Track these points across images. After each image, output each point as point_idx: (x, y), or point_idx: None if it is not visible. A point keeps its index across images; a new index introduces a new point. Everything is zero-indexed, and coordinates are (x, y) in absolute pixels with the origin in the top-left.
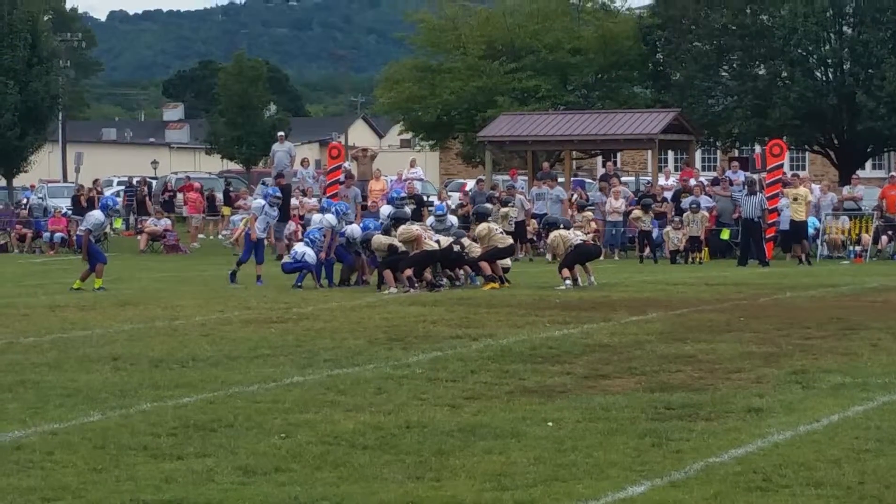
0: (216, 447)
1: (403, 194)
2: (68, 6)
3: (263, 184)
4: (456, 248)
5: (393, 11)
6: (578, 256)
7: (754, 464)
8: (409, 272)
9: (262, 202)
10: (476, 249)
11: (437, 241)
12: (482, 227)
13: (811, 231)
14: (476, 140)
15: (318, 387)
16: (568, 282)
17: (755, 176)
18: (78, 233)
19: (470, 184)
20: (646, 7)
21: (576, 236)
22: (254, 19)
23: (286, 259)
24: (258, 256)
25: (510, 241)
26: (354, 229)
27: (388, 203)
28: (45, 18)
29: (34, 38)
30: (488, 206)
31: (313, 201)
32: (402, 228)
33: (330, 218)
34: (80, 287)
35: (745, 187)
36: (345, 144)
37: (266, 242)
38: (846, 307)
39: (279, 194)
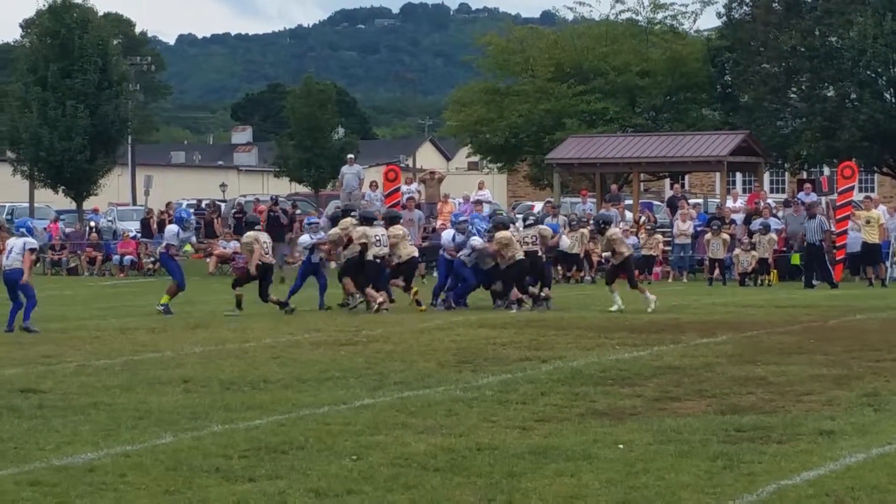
0: (288, 469)
1: (463, 217)
2: (138, 30)
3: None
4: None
5: (460, 34)
6: (520, 273)
7: (827, 486)
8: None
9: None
10: None
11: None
12: (503, 235)
13: (884, 252)
14: (544, 162)
15: (388, 409)
16: (514, 307)
17: (814, 199)
18: (160, 251)
19: (538, 206)
20: (714, 29)
21: (524, 246)
22: (321, 42)
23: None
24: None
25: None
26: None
27: (451, 225)
28: (115, 42)
29: (104, 61)
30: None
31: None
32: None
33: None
34: (167, 302)
35: (805, 211)
36: (413, 167)
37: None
38: None
39: (192, 218)
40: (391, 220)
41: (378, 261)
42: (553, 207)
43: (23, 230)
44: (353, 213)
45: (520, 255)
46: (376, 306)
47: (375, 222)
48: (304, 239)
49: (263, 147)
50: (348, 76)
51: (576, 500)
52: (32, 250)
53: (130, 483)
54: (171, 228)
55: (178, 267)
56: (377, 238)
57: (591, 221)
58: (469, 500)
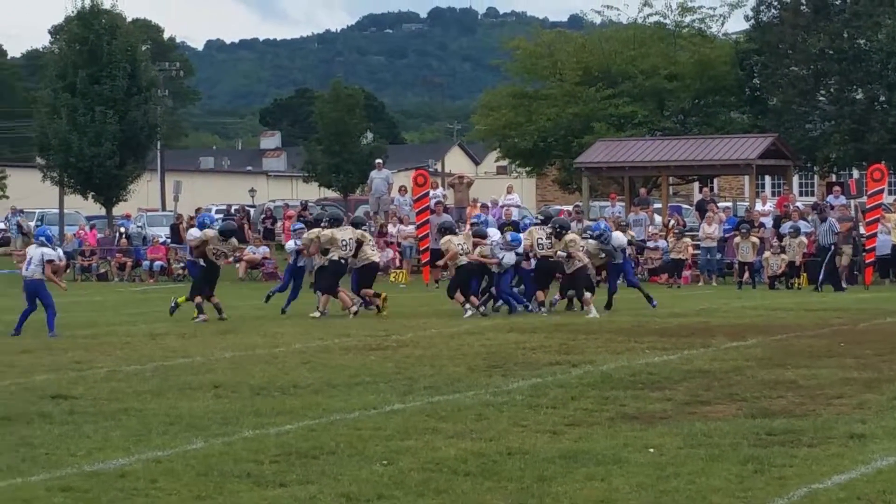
0: (319, 474)
1: (484, 217)
2: (166, 36)
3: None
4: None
5: (488, 38)
6: (465, 278)
7: (858, 490)
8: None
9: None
10: None
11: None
12: (446, 240)
13: None
14: (573, 166)
15: (418, 414)
16: (469, 309)
17: (843, 202)
18: (188, 257)
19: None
20: (742, 32)
21: (469, 252)
22: (349, 47)
23: None
24: None
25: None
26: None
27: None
28: (144, 48)
29: (133, 67)
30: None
31: (410, 228)
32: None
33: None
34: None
35: (817, 214)
36: (441, 171)
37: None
38: None
39: (215, 224)
40: (356, 225)
41: (343, 262)
42: (578, 213)
43: (42, 239)
44: (322, 223)
45: (462, 261)
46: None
47: (343, 226)
48: (290, 245)
49: (292, 152)
50: (376, 81)
51: (606, 503)
52: (50, 261)
53: (162, 489)
54: (193, 233)
55: (191, 268)
56: (343, 242)
57: (550, 225)
58: None
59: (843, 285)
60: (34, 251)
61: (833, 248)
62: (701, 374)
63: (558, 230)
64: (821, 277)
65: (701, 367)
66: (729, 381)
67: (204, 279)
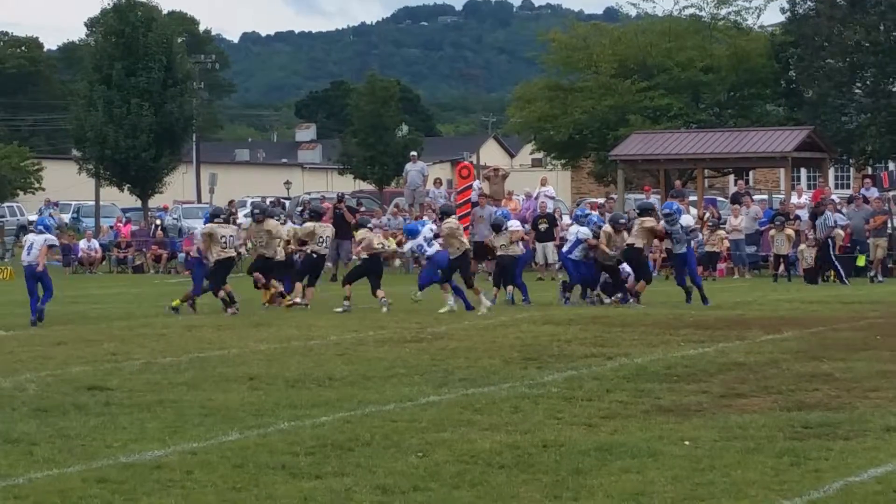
0: (354, 466)
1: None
2: (202, 28)
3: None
4: None
5: (524, 31)
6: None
7: (894, 483)
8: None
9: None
10: None
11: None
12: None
13: None
14: (608, 159)
15: (454, 406)
16: (346, 304)
17: (874, 194)
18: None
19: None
20: (778, 24)
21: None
22: (384, 40)
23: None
24: None
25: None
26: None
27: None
28: (180, 40)
29: (169, 60)
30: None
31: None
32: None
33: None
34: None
35: (813, 208)
36: (476, 164)
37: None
38: None
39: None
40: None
41: (315, 256)
42: (598, 206)
43: (41, 227)
44: (277, 217)
45: (466, 247)
46: (290, 302)
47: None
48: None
49: (327, 144)
50: (412, 73)
51: (641, 496)
52: (52, 247)
53: (197, 480)
54: (198, 232)
55: (197, 270)
56: (320, 238)
57: (609, 220)
58: (535, 497)
59: (880, 278)
60: (35, 238)
61: (829, 241)
62: (736, 366)
63: (441, 216)
64: (841, 272)
65: (736, 360)
66: (765, 374)
67: (217, 272)
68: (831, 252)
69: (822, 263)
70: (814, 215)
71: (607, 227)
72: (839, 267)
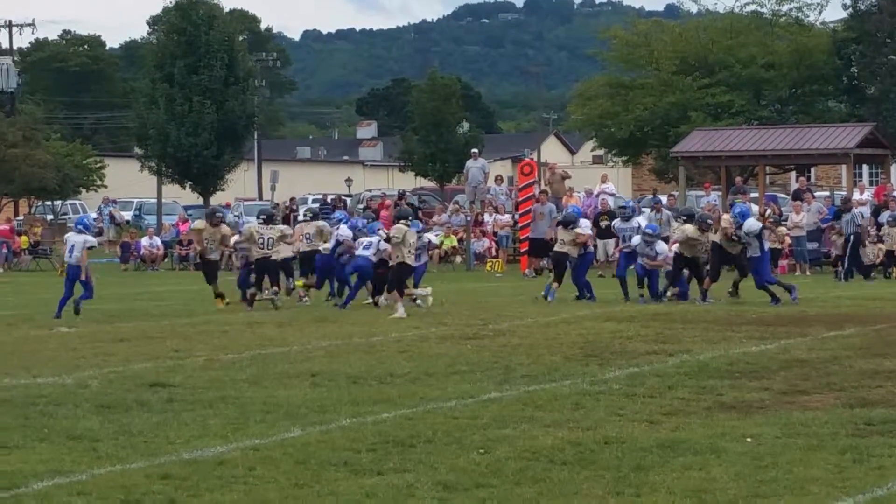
0: (416, 462)
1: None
2: (263, 26)
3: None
4: None
5: (585, 28)
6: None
7: None
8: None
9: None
10: None
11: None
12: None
13: None
14: (669, 156)
15: (515, 402)
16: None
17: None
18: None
19: (663, 199)
20: (840, 21)
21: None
22: (445, 37)
23: None
24: None
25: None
26: None
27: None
28: (241, 38)
29: (230, 58)
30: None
31: (506, 218)
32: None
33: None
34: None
35: (842, 204)
36: (537, 161)
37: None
38: None
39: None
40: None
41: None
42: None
43: (80, 227)
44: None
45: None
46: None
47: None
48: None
49: (388, 142)
50: (472, 70)
51: (704, 493)
52: (92, 248)
53: (260, 476)
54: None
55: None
56: (261, 239)
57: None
58: (597, 494)
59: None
60: (75, 238)
61: (854, 237)
62: (799, 363)
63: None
64: (846, 267)
65: (798, 357)
66: (827, 371)
67: (255, 272)
68: (850, 248)
69: (843, 259)
70: (838, 213)
71: (690, 227)
72: (846, 262)
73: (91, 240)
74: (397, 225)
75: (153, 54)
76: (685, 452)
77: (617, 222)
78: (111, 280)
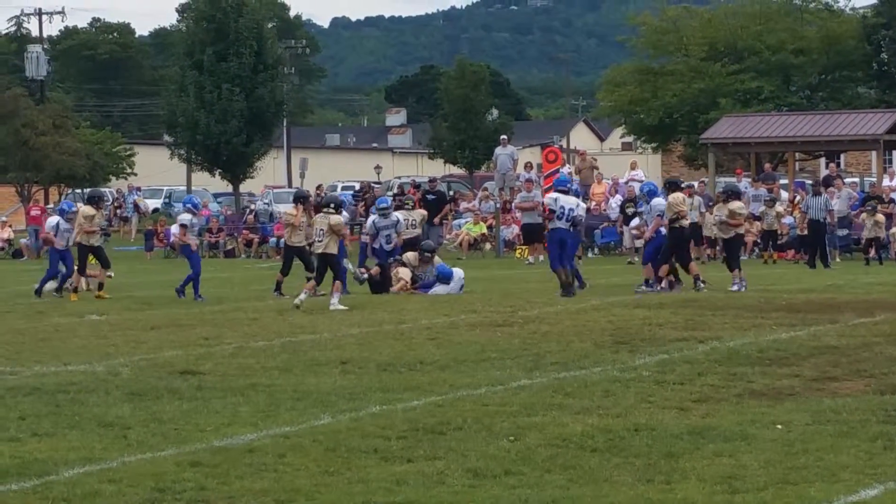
0: (446, 450)
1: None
2: (292, 13)
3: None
4: None
5: (614, 14)
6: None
7: None
8: None
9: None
10: None
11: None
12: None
13: None
14: (699, 142)
15: (545, 390)
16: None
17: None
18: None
19: (694, 185)
20: (870, 7)
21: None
22: (474, 24)
23: None
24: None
25: None
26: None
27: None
28: (270, 26)
29: (259, 45)
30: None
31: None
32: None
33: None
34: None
35: (811, 188)
36: (566, 147)
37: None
38: None
39: (74, 209)
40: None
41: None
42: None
43: (189, 206)
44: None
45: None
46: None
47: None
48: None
49: (417, 129)
50: (501, 57)
51: (734, 480)
52: (183, 226)
53: (290, 464)
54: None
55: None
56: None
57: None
58: (627, 481)
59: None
60: (184, 217)
61: (825, 222)
62: (829, 350)
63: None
64: (819, 253)
65: (829, 343)
66: (857, 358)
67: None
68: (824, 234)
69: (819, 245)
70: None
71: (737, 203)
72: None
73: (186, 217)
74: (318, 215)
75: (182, 42)
76: (715, 439)
77: (642, 206)
78: (141, 268)
